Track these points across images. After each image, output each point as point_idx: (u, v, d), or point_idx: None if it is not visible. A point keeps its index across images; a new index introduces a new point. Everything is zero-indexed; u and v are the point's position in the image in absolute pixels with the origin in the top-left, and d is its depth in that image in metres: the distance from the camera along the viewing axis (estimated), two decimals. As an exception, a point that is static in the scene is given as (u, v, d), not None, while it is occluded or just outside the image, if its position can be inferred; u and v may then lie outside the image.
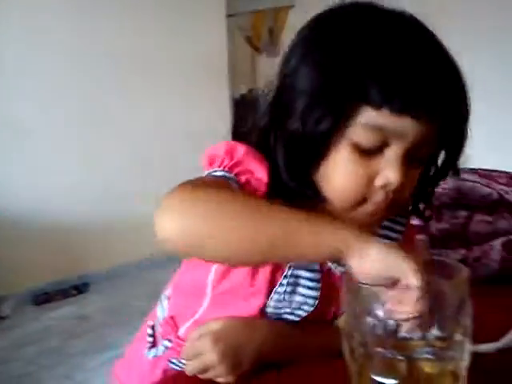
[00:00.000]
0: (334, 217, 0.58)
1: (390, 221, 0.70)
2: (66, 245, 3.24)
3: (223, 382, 0.60)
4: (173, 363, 0.72)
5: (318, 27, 0.61)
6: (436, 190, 1.08)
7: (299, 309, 0.65)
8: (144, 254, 3.37)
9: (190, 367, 0.62)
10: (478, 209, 1.05)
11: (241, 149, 0.61)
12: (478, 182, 1.09)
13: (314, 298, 0.64)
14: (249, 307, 0.65)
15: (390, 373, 0.45)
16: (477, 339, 0.66)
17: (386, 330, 0.45)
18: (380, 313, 0.45)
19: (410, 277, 0.44)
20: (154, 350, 0.77)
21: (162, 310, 0.79)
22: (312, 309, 0.65)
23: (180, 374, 0.65)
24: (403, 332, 0.44)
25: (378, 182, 0.57)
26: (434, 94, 0.54)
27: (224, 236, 0.50)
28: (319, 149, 0.58)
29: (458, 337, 0.46)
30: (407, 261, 0.45)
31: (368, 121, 0.54)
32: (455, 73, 0.57)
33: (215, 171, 0.61)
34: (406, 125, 0.54)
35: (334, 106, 0.55)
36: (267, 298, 0.64)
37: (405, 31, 0.57)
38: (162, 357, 0.75)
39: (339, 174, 0.58)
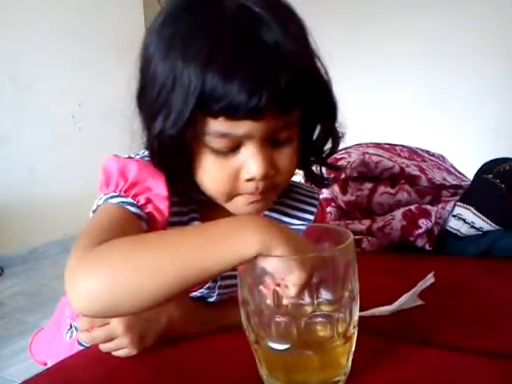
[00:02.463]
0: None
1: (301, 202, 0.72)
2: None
3: (123, 354, 0.60)
4: (81, 344, 0.72)
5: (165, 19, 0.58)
6: (342, 164, 1.14)
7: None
8: (59, 234, 3.27)
9: (93, 334, 0.61)
10: (381, 181, 1.11)
11: (133, 166, 0.60)
12: (382, 156, 1.15)
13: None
14: None
15: (283, 339, 0.47)
16: (374, 303, 0.71)
17: (277, 298, 0.47)
18: (271, 281, 0.47)
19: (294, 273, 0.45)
20: (70, 332, 0.77)
21: None
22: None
23: (84, 352, 0.64)
24: (292, 298, 0.47)
25: (244, 176, 0.58)
26: (261, 89, 0.52)
27: (139, 284, 0.47)
28: (184, 155, 0.58)
29: (346, 299, 0.48)
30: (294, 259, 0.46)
31: (213, 129, 0.55)
32: (286, 54, 0.54)
33: (111, 197, 0.59)
34: (246, 126, 0.54)
35: (179, 117, 0.54)
36: None
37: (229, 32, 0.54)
38: (76, 338, 0.75)
39: (206, 177, 0.59)
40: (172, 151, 0.57)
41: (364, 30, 3.50)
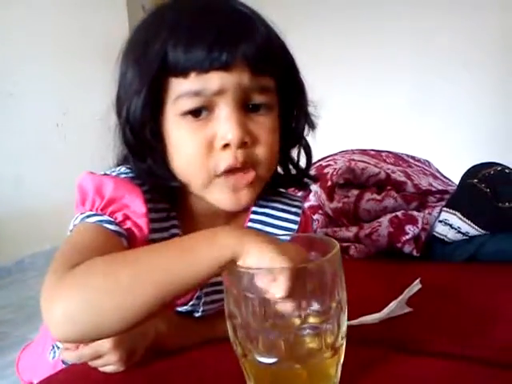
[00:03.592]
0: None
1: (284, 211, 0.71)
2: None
3: (111, 370, 0.59)
4: (65, 363, 0.70)
5: (135, 28, 0.63)
6: (329, 171, 1.14)
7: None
8: (46, 246, 3.23)
9: (80, 353, 0.59)
10: (367, 188, 1.11)
11: (109, 184, 0.59)
12: (368, 163, 1.15)
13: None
14: None
15: (271, 352, 0.47)
16: (362, 311, 0.71)
17: (264, 311, 0.47)
18: (258, 294, 0.46)
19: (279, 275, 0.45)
20: (52, 352, 0.75)
21: None
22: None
23: (70, 368, 0.63)
24: (280, 311, 0.46)
25: (218, 143, 0.56)
26: (230, 42, 0.54)
27: (119, 303, 0.46)
28: (154, 137, 0.58)
29: (334, 310, 0.48)
30: (280, 260, 0.45)
31: (183, 90, 0.55)
32: (251, 22, 0.58)
33: (88, 216, 0.57)
34: (218, 79, 0.54)
35: (147, 87, 0.56)
36: None
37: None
38: (59, 358, 0.73)
39: (180, 151, 0.58)
40: (144, 132, 0.57)
41: (350, 33, 3.52)
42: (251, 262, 0.45)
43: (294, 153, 0.68)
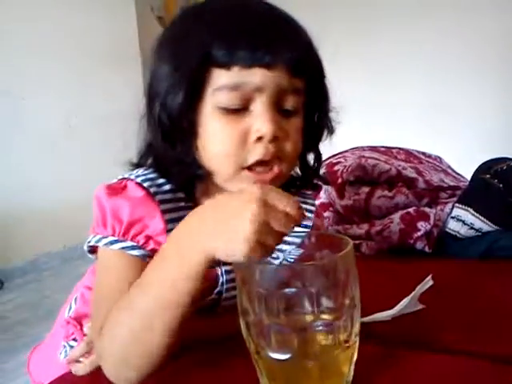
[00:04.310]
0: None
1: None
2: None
3: None
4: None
5: (169, 26, 0.65)
6: (339, 168, 1.14)
7: None
8: (59, 246, 3.27)
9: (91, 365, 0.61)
10: (378, 185, 1.11)
11: (125, 207, 0.60)
12: (379, 159, 1.15)
13: None
14: None
15: (284, 348, 0.47)
16: (374, 308, 0.71)
17: (277, 307, 0.47)
18: (271, 291, 0.47)
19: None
20: (64, 352, 0.76)
21: (68, 311, 0.78)
22: None
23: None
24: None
25: (253, 136, 0.58)
26: (274, 42, 0.57)
27: (143, 341, 0.51)
28: (190, 125, 0.60)
29: (347, 307, 0.48)
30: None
31: (224, 82, 0.57)
32: (292, 26, 0.61)
33: (111, 242, 0.59)
34: (259, 76, 0.56)
35: (187, 77, 0.58)
36: None
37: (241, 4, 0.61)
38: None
39: (214, 141, 0.59)
40: (181, 120, 0.59)
41: (365, 31, 3.50)
42: (224, 254, 0.47)
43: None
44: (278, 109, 0.59)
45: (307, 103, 0.63)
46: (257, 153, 0.58)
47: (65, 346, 0.77)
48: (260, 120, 0.57)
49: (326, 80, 0.66)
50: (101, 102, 3.55)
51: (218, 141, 0.59)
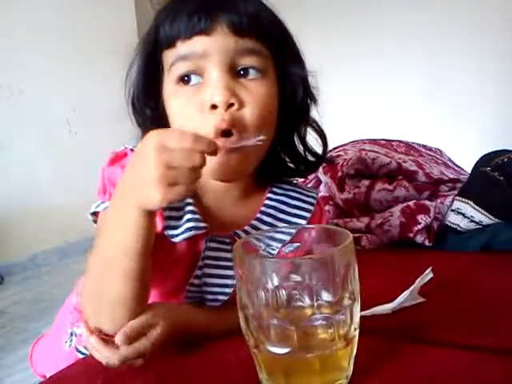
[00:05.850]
0: None
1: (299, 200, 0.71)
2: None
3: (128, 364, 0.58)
4: (79, 351, 0.71)
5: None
6: (339, 161, 1.13)
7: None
8: (59, 241, 3.26)
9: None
10: (378, 178, 1.10)
11: (120, 173, 0.62)
12: (379, 152, 1.14)
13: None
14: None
15: (283, 342, 0.47)
16: (374, 302, 0.71)
17: (277, 301, 0.46)
18: (270, 284, 0.46)
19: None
20: (69, 341, 0.76)
21: (76, 297, 0.78)
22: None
23: (83, 361, 0.64)
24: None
25: (207, 105, 0.57)
26: (211, 9, 0.58)
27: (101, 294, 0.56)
28: (159, 109, 0.63)
29: (346, 301, 0.48)
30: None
31: (174, 56, 0.59)
32: None
33: (107, 207, 0.61)
34: (200, 44, 0.58)
35: (145, 62, 0.63)
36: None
37: None
38: (75, 346, 0.74)
39: (177, 118, 0.61)
40: (147, 103, 0.64)
41: (362, 24, 3.48)
42: (144, 203, 0.50)
43: (310, 139, 0.70)
44: (236, 74, 0.59)
45: (278, 70, 0.63)
46: (212, 122, 0.57)
47: (71, 334, 0.76)
48: (212, 87, 0.57)
49: (295, 43, 0.65)
50: (101, 97, 3.54)
51: (180, 116, 0.60)
